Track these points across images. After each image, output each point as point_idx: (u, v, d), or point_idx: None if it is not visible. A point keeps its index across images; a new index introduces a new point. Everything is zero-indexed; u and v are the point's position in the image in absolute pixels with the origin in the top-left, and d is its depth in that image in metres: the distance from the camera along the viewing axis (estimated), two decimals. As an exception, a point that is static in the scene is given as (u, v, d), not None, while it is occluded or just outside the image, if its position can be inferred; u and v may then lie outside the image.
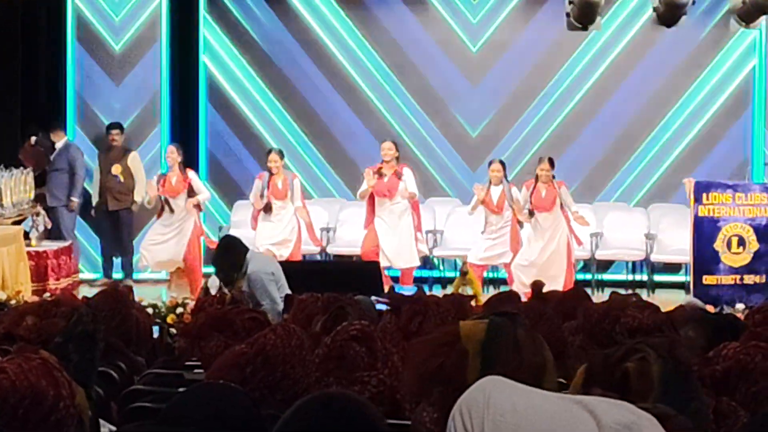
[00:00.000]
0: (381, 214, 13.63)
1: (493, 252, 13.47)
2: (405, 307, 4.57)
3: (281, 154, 13.83)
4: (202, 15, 15.63)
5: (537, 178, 13.34)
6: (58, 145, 14.60)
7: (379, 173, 13.57)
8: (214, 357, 4.53)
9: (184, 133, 15.53)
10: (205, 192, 14.08)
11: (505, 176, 13.57)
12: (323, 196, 15.57)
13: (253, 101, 15.65)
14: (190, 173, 13.96)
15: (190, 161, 15.15)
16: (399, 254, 13.53)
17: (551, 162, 13.41)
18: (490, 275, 14.27)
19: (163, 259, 13.93)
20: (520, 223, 13.49)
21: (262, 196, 13.60)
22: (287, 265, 13.42)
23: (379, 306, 5.95)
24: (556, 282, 12.81)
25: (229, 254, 9.38)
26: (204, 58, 15.64)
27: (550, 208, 13.24)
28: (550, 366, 2.64)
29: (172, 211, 13.79)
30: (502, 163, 13.65)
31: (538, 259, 13.19)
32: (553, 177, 13.37)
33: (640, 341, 2.59)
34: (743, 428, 2.71)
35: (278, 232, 13.62)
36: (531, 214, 13.31)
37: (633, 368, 2.52)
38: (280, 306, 8.83)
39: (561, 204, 13.30)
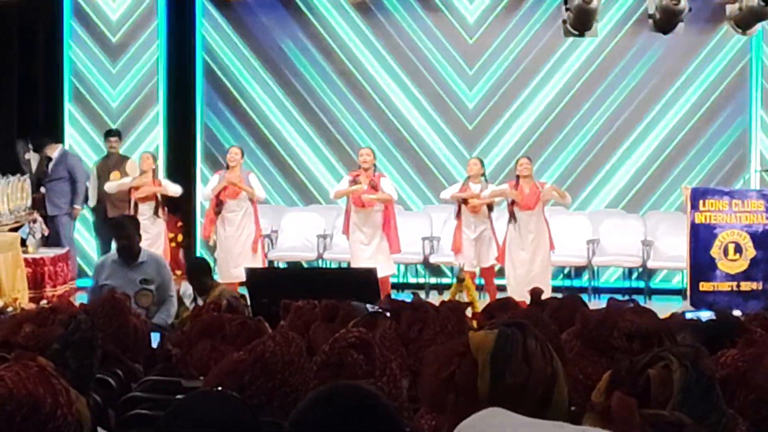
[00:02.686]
0: (356, 221, 13.40)
1: (479, 255, 13.37)
2: (405, 314, 4.56)
3: (242, 151, 13.77)
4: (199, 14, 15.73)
5: (518, 178, 13.29)
6: (54, 155, 14.59)
7: (355, 182, 13.38)
8: (201, 361, 4.52)
9: (181, 122, 15.63)
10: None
11: (484, 175, 13.52)
12: (320, 202, 15.56)
13: (253, 102, 15.69)
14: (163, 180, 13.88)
15: (186, 150, 15.24)
16: (373, 263, 13.32)
17: (528, 158, 13.41)
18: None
19: None
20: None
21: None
22: (284, 272, 13.48)
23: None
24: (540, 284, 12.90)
25: (205, 272, 10.24)
26: (203, 39, 15.71)
27: (533, 206, 13.20)
28: (560, 376, 2.65)
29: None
30: (480, 160, 13.61)
31: (529, 269, 13.12)
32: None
33: (665, 349, 2.59)
34: None
35: (236, 243, 13.41)
36: (512, 216, 13.25)
37: (655, 375, 2.52)
38: None
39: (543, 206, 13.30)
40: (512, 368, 2.59)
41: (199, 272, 10.18)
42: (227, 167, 13.54)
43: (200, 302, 9.51)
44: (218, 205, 13.38)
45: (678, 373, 2.52)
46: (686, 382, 2.51)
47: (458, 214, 13.48)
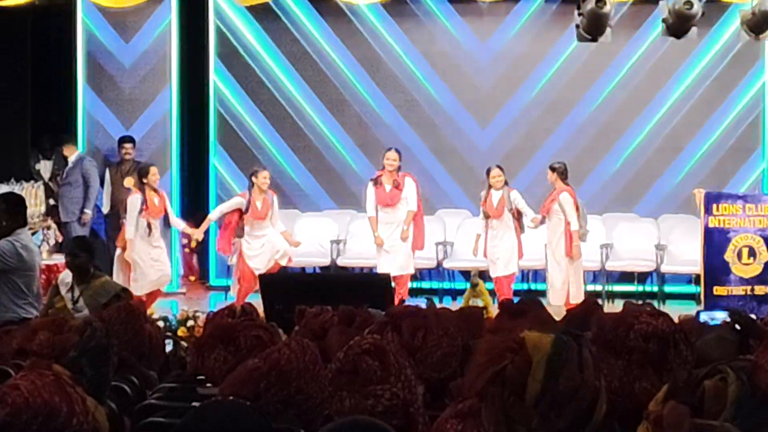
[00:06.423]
0: (381, 220, 13.51)
1: (496, 262, 13.42)
2: (405, 322, 4.51)
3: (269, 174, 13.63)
4: (213, 56, 15.70)
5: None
6: (71, 159, 14.61)
7: (377, 183, 13.50)
8: (214, 370, 4.50)
9: (193, 148, 15.64)
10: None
11: (506, 181, 13.56)
12: (333, 208, 15.56)
13: (261, 121, 15.69)
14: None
15: (199, 178, 15.24)
16: (393, 261, 13.36)
17: (500, 168, 13.53)
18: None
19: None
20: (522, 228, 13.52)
21: (241, 215, 13.28)
22: (296, 277, 13.46)
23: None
24: (561, 291, 13.10)
25: (86, 250, 9.09)
26: (214, 77, 15.68)
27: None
28: (603, 391, 2.66)
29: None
30: (500, 168, 13.63)
31: (554, 274, 13.32)
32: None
33: (723, 362, 2.61)
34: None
35: (267, 250, 13.35)
36: (542, 221, 13.37)
37: (710, 386, 2.54)
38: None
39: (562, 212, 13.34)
40: (566, 374, 2.60)
41: (80, 248, 9.09)
42: (249, 188, 13.36)
43: (77, 292, 8.80)
44: (240, 228, 13.26)
45: (733, 386, 2.54)
46: (740, 395, 2.53)
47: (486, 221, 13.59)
